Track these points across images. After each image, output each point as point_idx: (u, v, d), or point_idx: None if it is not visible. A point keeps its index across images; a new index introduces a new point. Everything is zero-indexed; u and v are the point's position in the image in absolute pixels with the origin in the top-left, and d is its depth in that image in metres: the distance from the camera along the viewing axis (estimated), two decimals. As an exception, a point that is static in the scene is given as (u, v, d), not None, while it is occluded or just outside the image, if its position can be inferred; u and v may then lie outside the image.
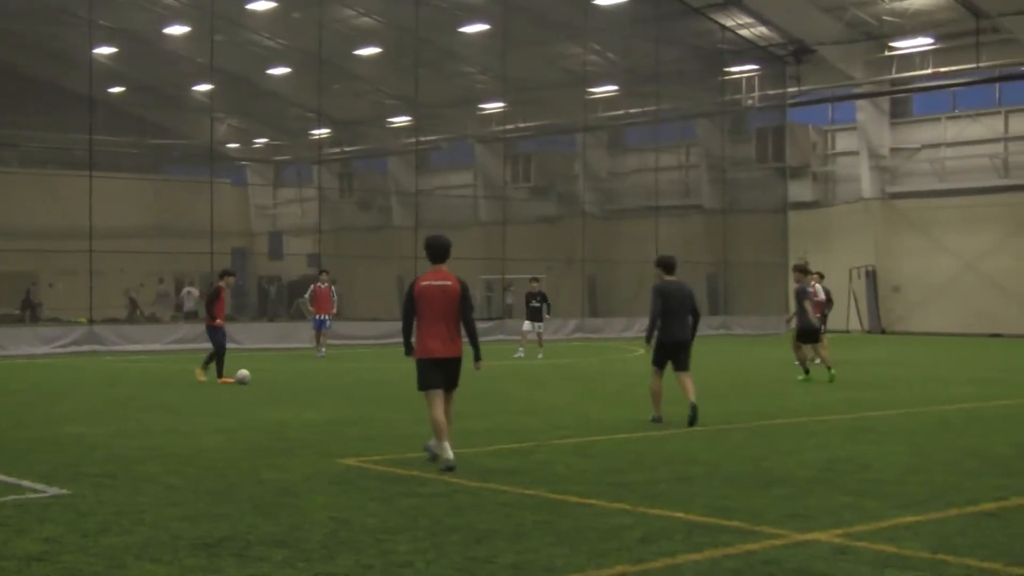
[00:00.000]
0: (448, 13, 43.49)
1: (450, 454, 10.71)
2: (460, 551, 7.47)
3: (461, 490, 9.68)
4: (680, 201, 47.41)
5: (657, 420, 14.65)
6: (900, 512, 8.70)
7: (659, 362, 14.82)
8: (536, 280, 30.64)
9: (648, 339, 14.81)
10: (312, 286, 29.58)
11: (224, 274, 21.86)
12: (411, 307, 11.07)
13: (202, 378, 20.83)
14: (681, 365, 14.78)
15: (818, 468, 10.90)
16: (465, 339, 11.25)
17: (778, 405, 17.06)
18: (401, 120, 52.72)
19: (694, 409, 14.39)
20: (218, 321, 21.10)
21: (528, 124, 50.27)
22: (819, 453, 11.90)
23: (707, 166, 48.44)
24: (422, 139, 48.53)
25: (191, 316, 41.51)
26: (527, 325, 29.56)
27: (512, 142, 49.64)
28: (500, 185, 47.40)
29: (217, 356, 20.98)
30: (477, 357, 11.33)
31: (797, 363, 22.07)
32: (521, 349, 29.47)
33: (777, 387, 20.54)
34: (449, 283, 11.06)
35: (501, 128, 47.95)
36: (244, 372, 20.55)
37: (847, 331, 42.02)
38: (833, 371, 21.25)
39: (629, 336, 40.21)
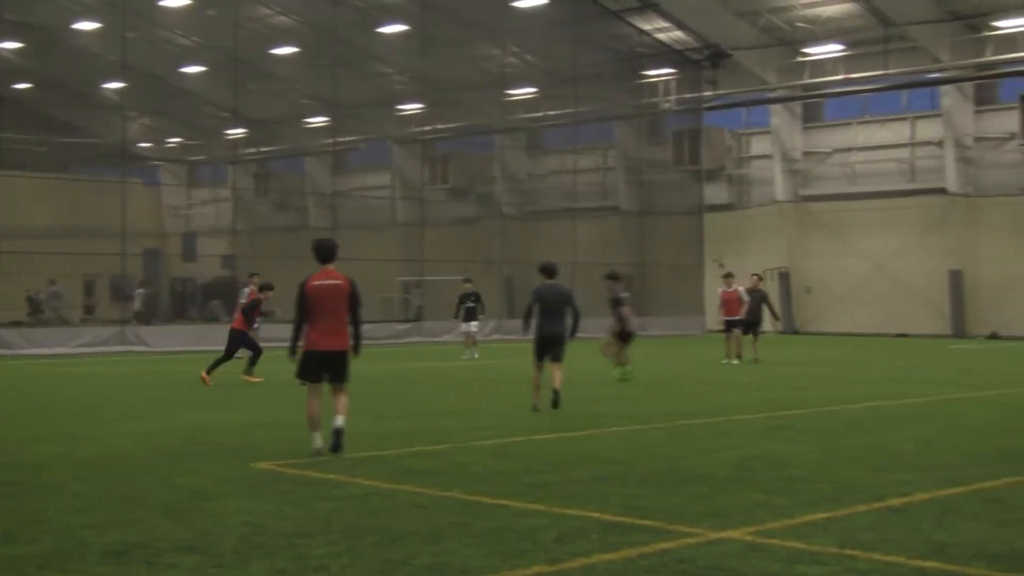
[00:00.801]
0: (366, 13, 43.36)
1: (319, 443, 11.61)
2: (375, 553, 7.44)
3: (377, 492, 9.65)
4: (598, 203, 47.73)
5: (535, 409, 15.97)
6: (810, 509, 8.83)
7: (538, 355, 16.45)
8: (469, 281, 31.00)
9: (524, 331, 16.96)
10: (247, 289, 29.34)
11: (264, 288, 22.76)
12: (303, 306, 11.77)
13: (255, 379, 21.34)
14: (555, 358, 16.39)
15: (733, 467, 11.02)
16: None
17: (695, 405, 17.21)
18: (318, 120, 52.47)
19: (556, 394, 16.02)
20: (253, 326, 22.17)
21: (446, 125, 50.26)
22: (734, 452, 12.04)
23: (624, 168, 48.79)
24: (339, 140, 48.36)
25: (140, 316, 40.84)
26: (466, 326, 29.87)
27: (430, 143, 49.61)
28: (418, 186, 47.36)
29: (255, 356, 21.65)
30: (356, 349, 11.99)
31: (615, 362, 22.12)
32: (468, 350, 29.70)
33: (694, 387, 20.73)
34: (339, 282, 11.79)
35: (419, 129, 47.93)
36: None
37: (763, 332, 42.45)
38: (626, 369, 21.60)
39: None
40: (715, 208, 47.30)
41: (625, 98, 47.62)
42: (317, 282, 11.76)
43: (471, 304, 29.72)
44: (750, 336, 27.71)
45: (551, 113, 48.43)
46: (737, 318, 27.37)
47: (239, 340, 21.61)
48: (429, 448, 12.47)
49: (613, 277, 22.69)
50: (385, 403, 17.51)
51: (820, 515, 8.60)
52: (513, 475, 10.60)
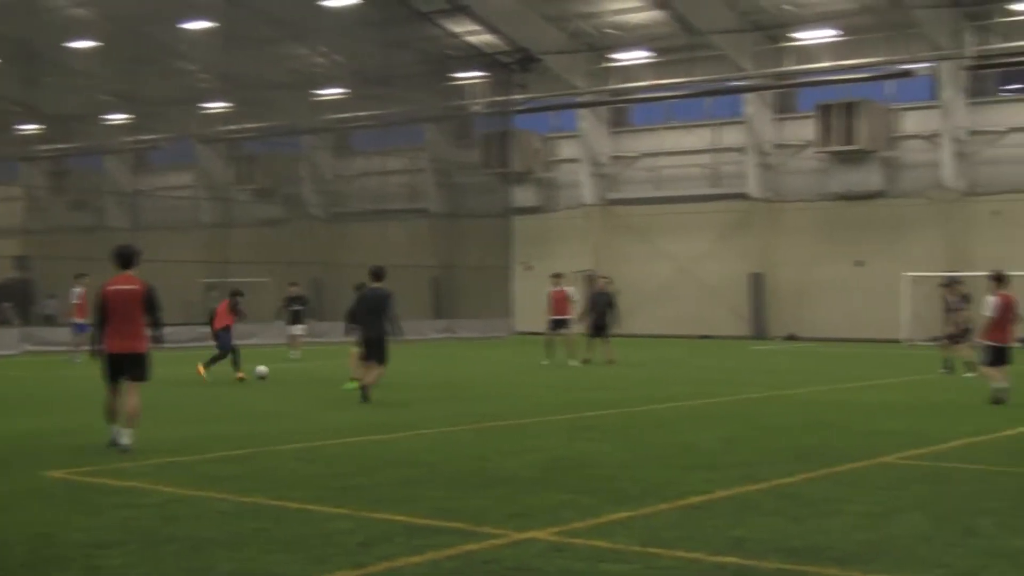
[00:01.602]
0: (168, 7, 42.23)
1: (117, 438, 12.14)
2: (176, 562, 7.23)
3: (177, 499, 9.38)
4: (407, 205, 47.63)
5: (364, 397, 17.50)
6: (615, 508, 8.93)
7: (365, 356, 17.97)
8: (295, 284, 31.41)
9: (346, 332, 18.92)
10: (78, 290, 28.35)
11: (235, 294, 23.56)
12: (101, 310, 12.32)
13: (241, 375, 22.20)
14: (376, 359, 17.81)
15: (539, 468, 11.08)
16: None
17: (503, 407, 17.27)
18: (118, 117, 50.91)
19: (364, 389, 17.53)
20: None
21: (253, 125, 49.43)
22: (540, 453, 12.10)
23: (434, 170, 48.77)
24: (141, 137, 47.07)
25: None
26: (291, 328, 30.30)
27: (236, 143, 48.75)
28: (223, 186, 46.44)
29: (224, 355, 22.53)
30: (153, 340, 12.56)
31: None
32: (293, 351, 29.70)
33: (503, 389, 20.82)
34: (134, 287, 12.27)
35: (225, 128, 47.02)
36: (262, 368, 22.35)
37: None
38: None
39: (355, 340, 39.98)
40: (523, 211, 47.67)
41: (435, 100, 47.63)
42: (113, 287, 12.28)
43: (298, 307, 30.24)
44: (599, 339, 28.04)
45: (360, 114, 48.10)
46: (566, 317, 27.65)
47: (225, 335, 22.74)
48: (233, 452, 12.20)
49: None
50: (189, 407, 17.09)
51: (624, 514, 8.70)
52: (319, 479, 10.45)
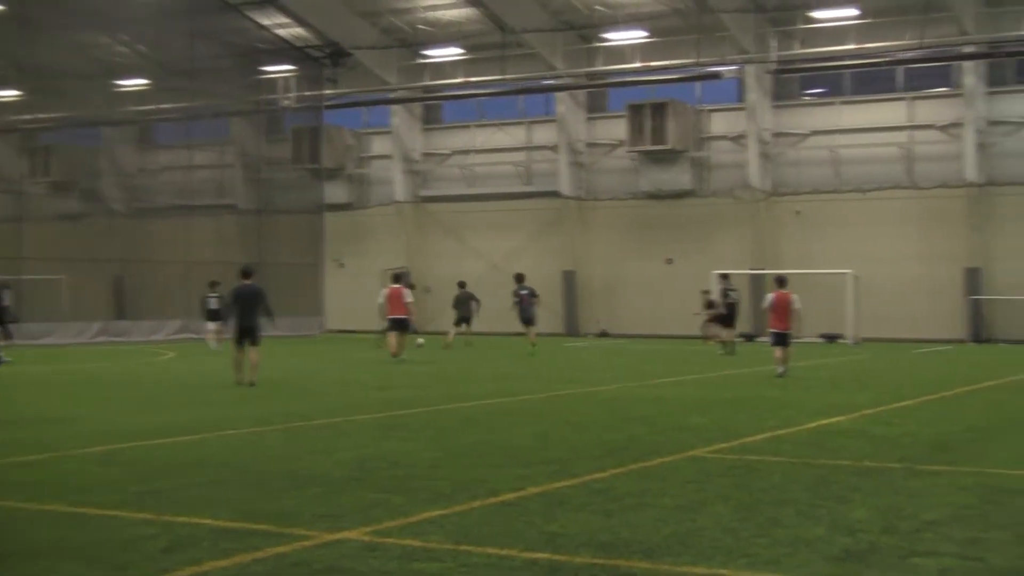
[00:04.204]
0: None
1: None
2: (-38, 574, 6.86)
3: (-34, 507, 8.94)
4: (214, 200, 46.56)
5: (239, 384, 19.82)
6: (427, 506, 8.86)
7: (239, 341, 20.43)
8: (215, 284, 32.79)
9: (225, 325, 21.89)
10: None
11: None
12: None
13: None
14: (253, 341, 20.36)
15: (350, 467, 10.94)
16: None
17: (314, 406, 17.03)
18: None
19: (250, 381, 19.80)
20: None
21: (49, 115, 47.61)
22: (351, 452, 11.95)
23: (242, 165, 47.86)
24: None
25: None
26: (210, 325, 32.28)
27: (30, 133, 46.90)
28: (16, 179, 44.51)
29: None
30: None
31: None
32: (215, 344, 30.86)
33: (314, 387, 20.56)
34: None
35: (17, 118, 45.17)
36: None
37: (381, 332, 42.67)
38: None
39: (160, 339, 39.04)
40: (335, 207, 47.20)
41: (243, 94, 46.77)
42: None
43: (216, 307, 31.79)
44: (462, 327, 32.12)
45: (164, 106, 46.90)
46: (402, 317, 27.51)
47: None
48: (29, 458, 11.69)
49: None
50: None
51: (436, 512, 8.64)
52: (120, 484, 10.09)
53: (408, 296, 27.83)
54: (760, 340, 30.82)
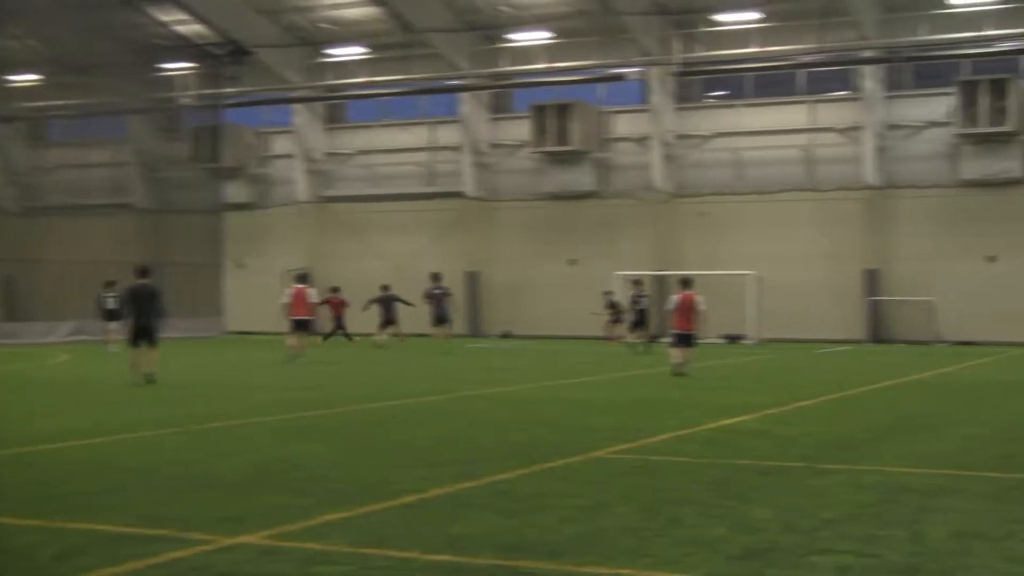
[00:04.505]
0: None
1: None
2: None
3: None
4: (111, 199, 45.71)
5: (136, 384, 19.76)
6: (328, 509, 8.74)
7: (134, 341, 20.50)
8: (111, 283, 32.00)
9: (123, 324, 21.24)
10: None
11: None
12: None
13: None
14: (149, 342, 20.46)
15: (250, 470, 10.79)
16: None
17: (214, 408, 16.78)
18: None
19: (149, 376, 20.14)
20: None
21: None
22: (252, 455, 11.79)
23: (140, 164, 47.07)
24: None
25: None
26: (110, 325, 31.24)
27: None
28: None
29: None
30: None
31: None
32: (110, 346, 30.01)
33: (214, 390, 20.30)
34: None
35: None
36: None
37: (281, 333, 42.22)
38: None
39: (53, 341, 38.22)
40: (236, 207, 46.62)
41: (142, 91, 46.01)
42: None
43: (113, 307, 31.02)
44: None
45: (57, 103, 45.95)
46: (306, 318, 27.37)
47: None
48: (-86, 463, 11.34)
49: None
50: None
51: (338, 515, 8.54)
52: (10, 490, 9.84)
53: (312, 297, 27.79)
54: (662, 341, 31.01)
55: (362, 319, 35.76)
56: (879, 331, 38.95)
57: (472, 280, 43.88)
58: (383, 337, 34.19)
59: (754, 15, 39.61)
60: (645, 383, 21.79)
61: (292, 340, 27.26)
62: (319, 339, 33.97)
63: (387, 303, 34.74)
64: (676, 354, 22.90)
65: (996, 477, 10.51)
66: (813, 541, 7.77)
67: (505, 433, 13.75)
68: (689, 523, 8.34)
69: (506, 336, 42.83)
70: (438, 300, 33.52)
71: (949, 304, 37.72)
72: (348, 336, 34.93)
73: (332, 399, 18.09)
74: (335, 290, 35.99)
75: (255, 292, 44.70)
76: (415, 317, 35.67)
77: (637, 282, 33.65)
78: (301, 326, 27.55)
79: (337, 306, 35.49)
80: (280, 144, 47.89)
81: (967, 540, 7.81)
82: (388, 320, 34.62)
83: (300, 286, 27.92)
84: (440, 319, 33.42)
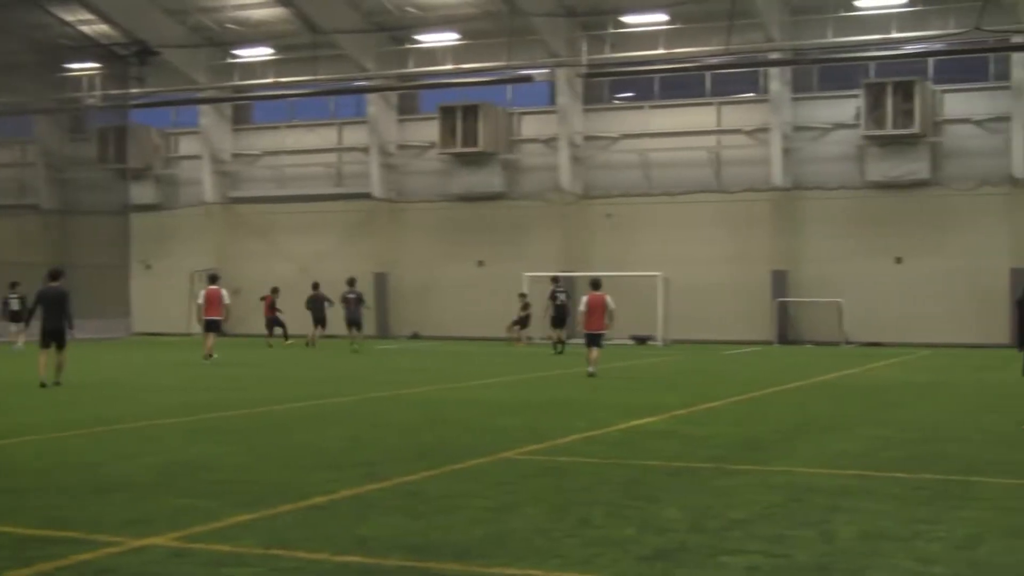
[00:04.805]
0: None
1: None
2: None
3: None
4: (15, 200, 44.97)
5: (43, 385, 19.77)
6: (236, 511, 8.74)
7: (44, 344, 20.44)
8: (16, 284, 33.04)
9: (26, 326, 21.29)
10: None
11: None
12: None
13: None
14: (60, 345, 20.42)
15: (157, 472, 10.72)
16: None
17: (119, 410, 16.60)
18: None
19: (56, 379, 20.09)
20: None
21: None
22: (159, 457, 11.71)
23: (44, 165, 46.30)
24: None
25: None
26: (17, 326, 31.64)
27: None
28: None
29: None
30: None
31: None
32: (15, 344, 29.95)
33: (119, 391, 20.07)
34: None
35: None
36: None
37: (189, 334, 41.84)
38: None
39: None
40: (142, 208, 46.05)
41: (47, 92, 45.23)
42: None
43: (16, 308, 32.82)
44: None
45: (-41, 103, 44.99)
46: (218, 318, 27.64)
47: None
48: None
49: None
50: None
51: (246, 517, 8.54)
52: (-88, 493, 9.67)
53: (226, 298, 27.94)
54: (572, 342, 31.24)
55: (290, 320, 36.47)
56: (787, 332, 39.53)
57: (380, 281, 43.80)
58: (316, 336, 35.53)
59: (661, 17, 39.99)
60: (554, 384, 21.94)
61: (210, 340, 27.37)
62: (284, 340, 35.98)
63: (316, 303, 35.74)
64: (594, 355, 23.18)
65: (903, 478, 10.62)
66: (722, 541, 7.84)
67: (414, 434, 13.79)
68: (598, 524, 8.41)
69: (414, 337, 42.82)
70: (350, 304, 34.05)
71: (856, 305, 38.37)
72: (268, 337, 35.93)
73: (240, 401, 17.97)
74: (275, 291, 37.16)
75: (162, 293, 44.25)
76: (330, 319, 35.86)
77: (555, 278, 34.41)
78: (214, 326, 27.75)
79: (271, 306, 36.61)
80: (187, 145, 47.42)
81: (875, 540, 7.92)
82: (317, 320, 35.54)
83: (213, 287, 28.06)
84: (352, 322, 34.04)
